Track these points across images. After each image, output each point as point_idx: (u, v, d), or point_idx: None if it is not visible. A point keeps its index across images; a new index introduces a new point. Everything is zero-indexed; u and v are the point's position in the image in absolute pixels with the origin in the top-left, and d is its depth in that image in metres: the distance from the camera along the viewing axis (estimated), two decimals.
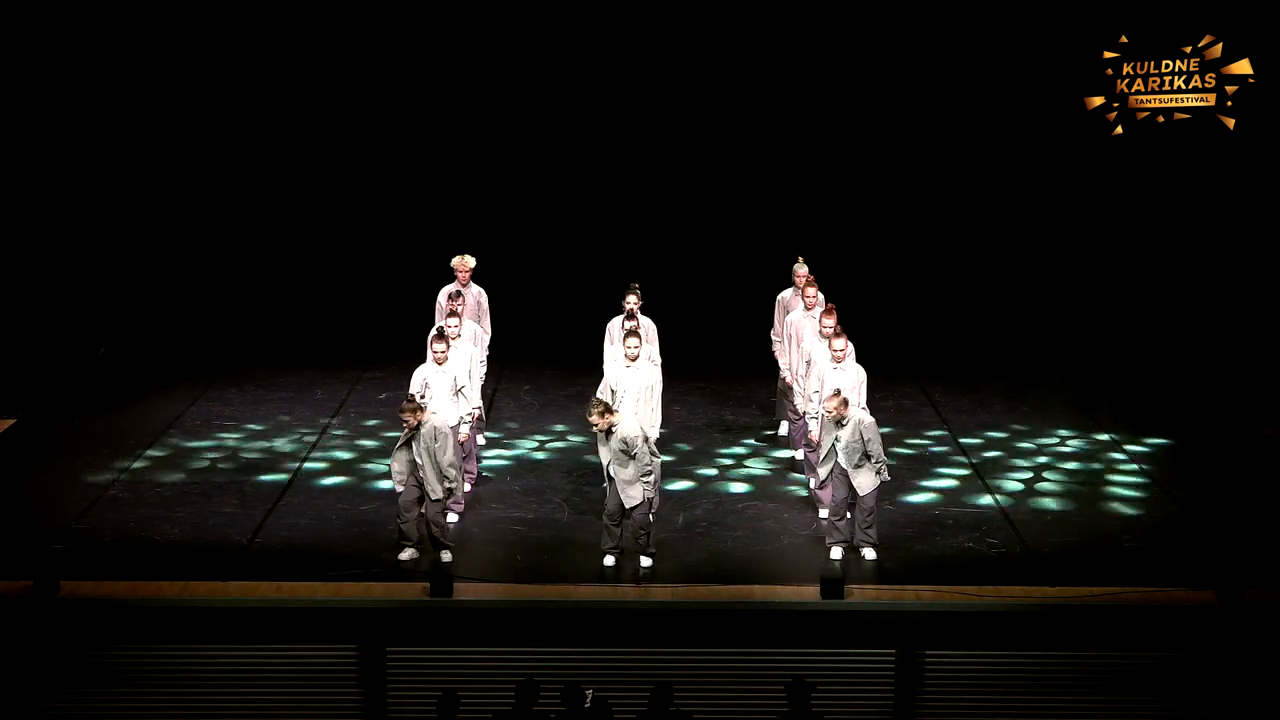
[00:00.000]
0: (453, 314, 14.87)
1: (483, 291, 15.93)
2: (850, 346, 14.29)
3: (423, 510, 13.42)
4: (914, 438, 16.68)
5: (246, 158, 20.91)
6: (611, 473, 13.36)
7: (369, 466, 15.87)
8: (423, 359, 14.50)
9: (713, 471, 15.77)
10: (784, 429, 16.43)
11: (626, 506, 13.29)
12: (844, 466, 13.45)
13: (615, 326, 15.33)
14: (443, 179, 21.11)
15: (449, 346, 14.32)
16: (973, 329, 20.45)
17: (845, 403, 13.39)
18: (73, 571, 13.02)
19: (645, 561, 13.45)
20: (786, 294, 16.07)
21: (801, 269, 15.93)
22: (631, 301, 15.29)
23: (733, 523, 14.47)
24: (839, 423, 13.40)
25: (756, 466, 16.01)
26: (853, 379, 14.14)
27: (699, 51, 20.72)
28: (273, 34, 20.47)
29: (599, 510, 13.91)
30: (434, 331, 14.61)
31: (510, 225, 20.86)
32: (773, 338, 16.18)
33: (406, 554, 13.51)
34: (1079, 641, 12.63)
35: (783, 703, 11.70)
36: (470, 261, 15.76)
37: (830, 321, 14.65)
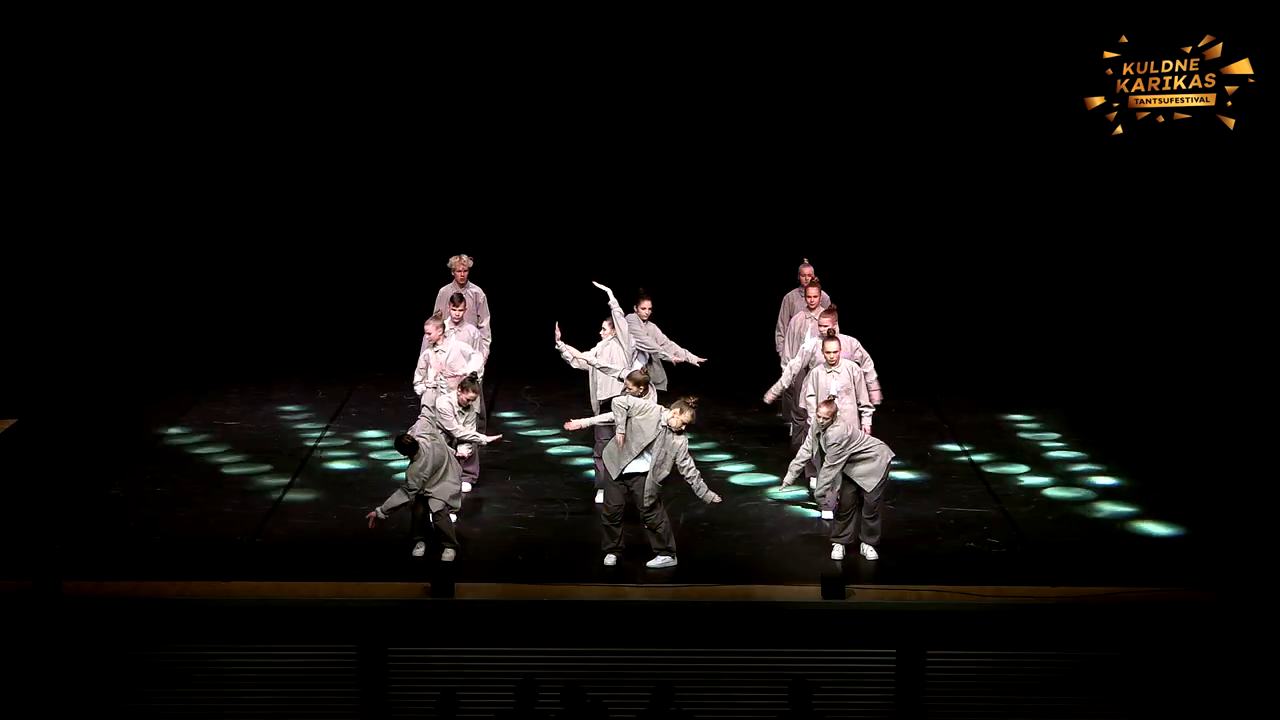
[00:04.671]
0: (443, 316, 15.01)
1: (481, 291, 15.96)
2: (841, 344, 14.29)
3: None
4: (915, 438, 16.68)
5: (246, 159, 20.89)
6: (627, 463, 13.33)
7: (369, 466, 15.87)
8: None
9: (713, 470, 15.75)
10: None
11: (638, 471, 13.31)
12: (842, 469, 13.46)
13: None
14: (442, 180, 21.09)
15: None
16: (973, 329, 20.44)
17: (835, 412, 13.43)
18: (73, 571, 13.03)
19: (657, 561, 13.44)
20: (793, 294, 16.14)
21: (806, 269, 16.01)
22: (646, 307, 15.31)
23: (733, 522, 14.47)
24: (826, 427, 13.44)
25: (757, 466, 16.01)
26: (844, 380, 14.18)
27: (704, 53, 20.70)
28: (272, 38, 20.46)
29: (599, 510, 13.94)
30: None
31: (511, 224, 20.85)
32: (776, 337, 16.19)
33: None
34: (1079, 641, 12.63)
35: (784, 703, 11.71)
36: (468, 261, 15.80)
37: (828, 321, 14.70)
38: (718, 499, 13.62)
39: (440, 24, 20.62)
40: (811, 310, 15.42)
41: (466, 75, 20.80)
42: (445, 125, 20.95)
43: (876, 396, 14.59)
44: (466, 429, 14.06)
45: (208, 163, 20.82)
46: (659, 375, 15.17)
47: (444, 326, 14.90)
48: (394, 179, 21.11)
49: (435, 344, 14.77)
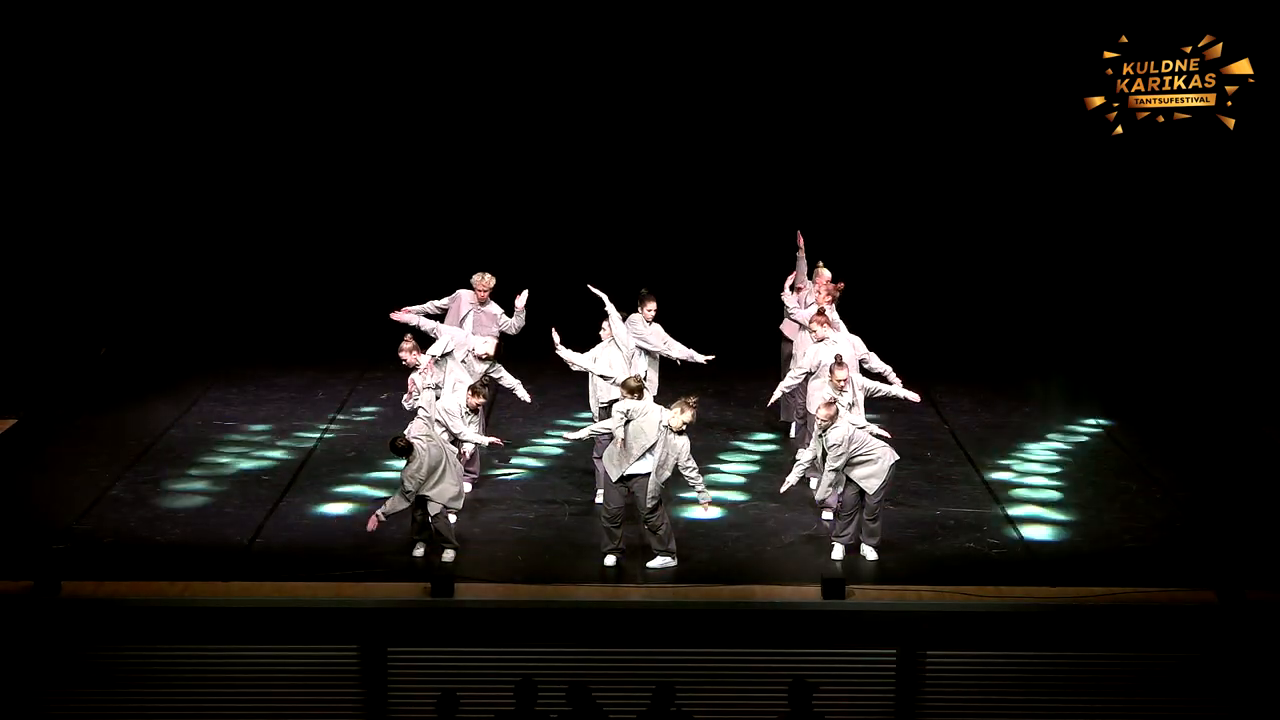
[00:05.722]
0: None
1: (501, 312, 15.71)
2: (846, 362, 14.30)
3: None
4: (915, 437, 16.68)
5: (247, 158, 20.92)
6: (629, 466, 13.32)
7: (370, 466, 15.88)
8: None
9: (715, 471, 15.74)
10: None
11: (642, 471, 13.27)
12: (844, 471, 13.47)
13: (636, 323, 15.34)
14: (444, 178, 21.11)
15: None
16: (973, 328, 20.47)
17: (836, 414, 13.44)
18: (73, 571, 13.03)
19: (656, 562, 13.44)
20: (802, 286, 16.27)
21: (825, 273, 16.04)
22: (651, 308, 15.31)
23: (733, 522, 14.48)
24: (826, 429, 13.43)
25: (758, 466, 16.02)
26: (851, 397, 14.17)
27: (705, 52, 20.74)
28: (274, 33, 20.48)
29: (599, 511, 13.94)
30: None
31: (511, 223, 20.87)
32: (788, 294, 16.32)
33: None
34: (1079, 641, 12.63)
35: (784, 703, 11.71)
36: (490, 281, 15.65)
37: (819, 322, 14.77)
38: (709, 505, 13.58)
39: (445, 23, 20.65)
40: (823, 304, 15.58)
41: (471, 75, 20.83)
42: (447, 126, 20.98)
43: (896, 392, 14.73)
44: (470, 429, 14.05)
45: (209, 163, 20.85)
46: (652, 378, 15.16)
47: (418, 349, 14.70)
48: (396, 179, 21.13)
49: (414, 367, 14.46)
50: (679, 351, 15.27)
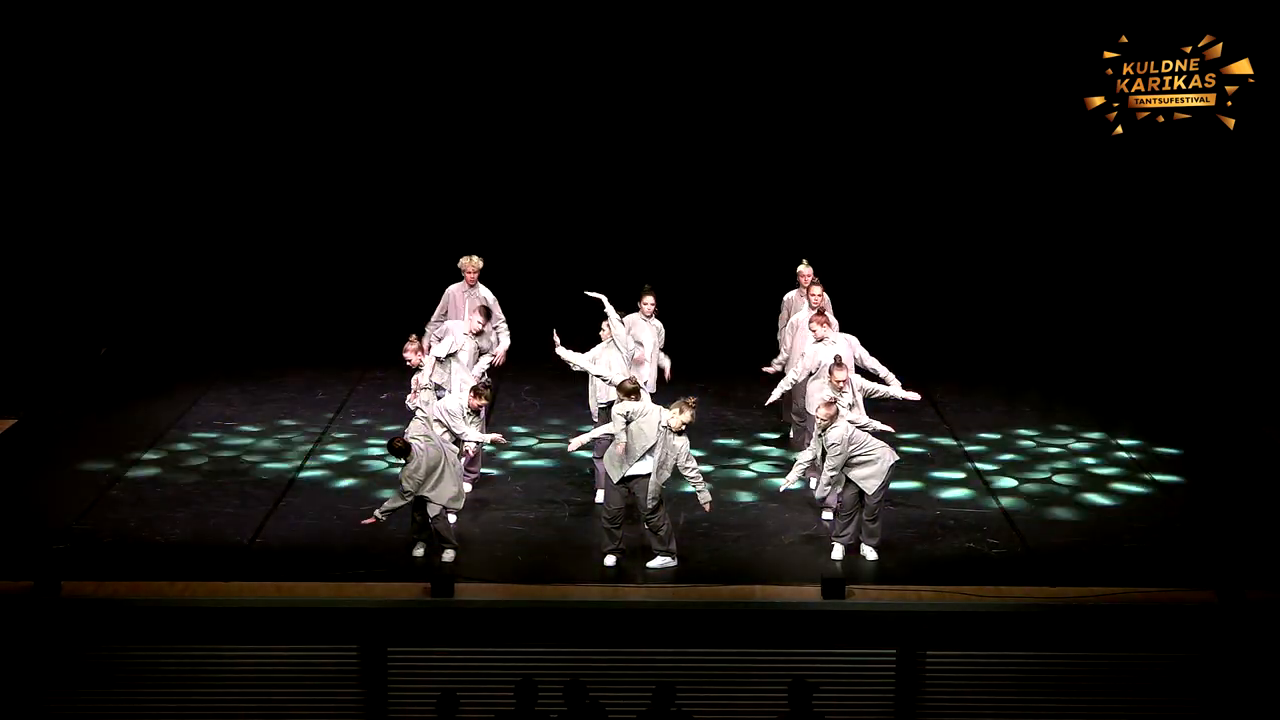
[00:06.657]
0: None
1: (490, 294, 15.79)
2: (845, 362, 14.30)
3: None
4: (915, 438, 16.68)
5: (247, 158, 20.90)
6: (629, 468, 13.31)
7: (370, 467, 15.88)
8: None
9: (714, 471, 15.75)
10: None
11: (642, 473, 13.26)
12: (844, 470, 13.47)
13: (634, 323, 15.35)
14: (446, 178, 21.10)
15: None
16: (974, 329, 20.45)
17: (835, 414, 13.43)
18: (73, 571, 13.03)
19: (656, 562, 13.44)
20: (792, 295, 16.17)
21: (805, 269, 16.04)
22: (649, 304, 15.32)
23: (733, 523, 14.48)
24: (826, 429, 13.43)
25: (758, 467, 16.02)
26: (851, 398, 14.16)
27: (704, 53, 20.71)
28: (272, 34, 20.46)
29: (599, 511, 13.94)
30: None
31: (512, 224, 20.85)
32: (780, 338, 16.25)
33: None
34: (1079, 641, 12.64)
35: (784, 703, 11.72)
36: (478, 263, 15.71)
37: (818, 324, 14.71)
38: (708, 505, 13.59)
39: (446, 22, 20.63)
40: (813, 309, 15.49)
41: (471, 74, 20.81)
42: (448, 125, 20.96)
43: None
44: (471, 429, 14.04)
45: (209, 161, 20.83)
46: (653, 373, 15.19)
47: (422, 349, 14.66)
48: (396, 177, 21.11)
49: (417, 366, 14.45)
50: (662, 359, 15.28)
